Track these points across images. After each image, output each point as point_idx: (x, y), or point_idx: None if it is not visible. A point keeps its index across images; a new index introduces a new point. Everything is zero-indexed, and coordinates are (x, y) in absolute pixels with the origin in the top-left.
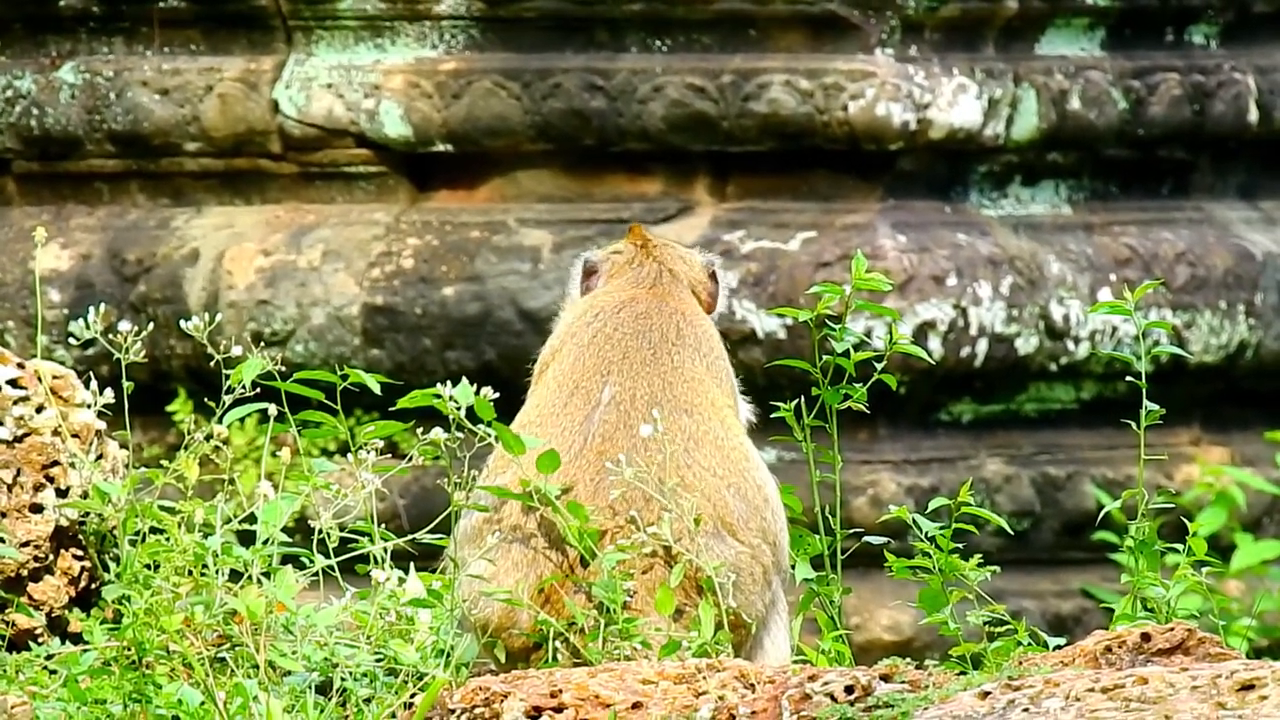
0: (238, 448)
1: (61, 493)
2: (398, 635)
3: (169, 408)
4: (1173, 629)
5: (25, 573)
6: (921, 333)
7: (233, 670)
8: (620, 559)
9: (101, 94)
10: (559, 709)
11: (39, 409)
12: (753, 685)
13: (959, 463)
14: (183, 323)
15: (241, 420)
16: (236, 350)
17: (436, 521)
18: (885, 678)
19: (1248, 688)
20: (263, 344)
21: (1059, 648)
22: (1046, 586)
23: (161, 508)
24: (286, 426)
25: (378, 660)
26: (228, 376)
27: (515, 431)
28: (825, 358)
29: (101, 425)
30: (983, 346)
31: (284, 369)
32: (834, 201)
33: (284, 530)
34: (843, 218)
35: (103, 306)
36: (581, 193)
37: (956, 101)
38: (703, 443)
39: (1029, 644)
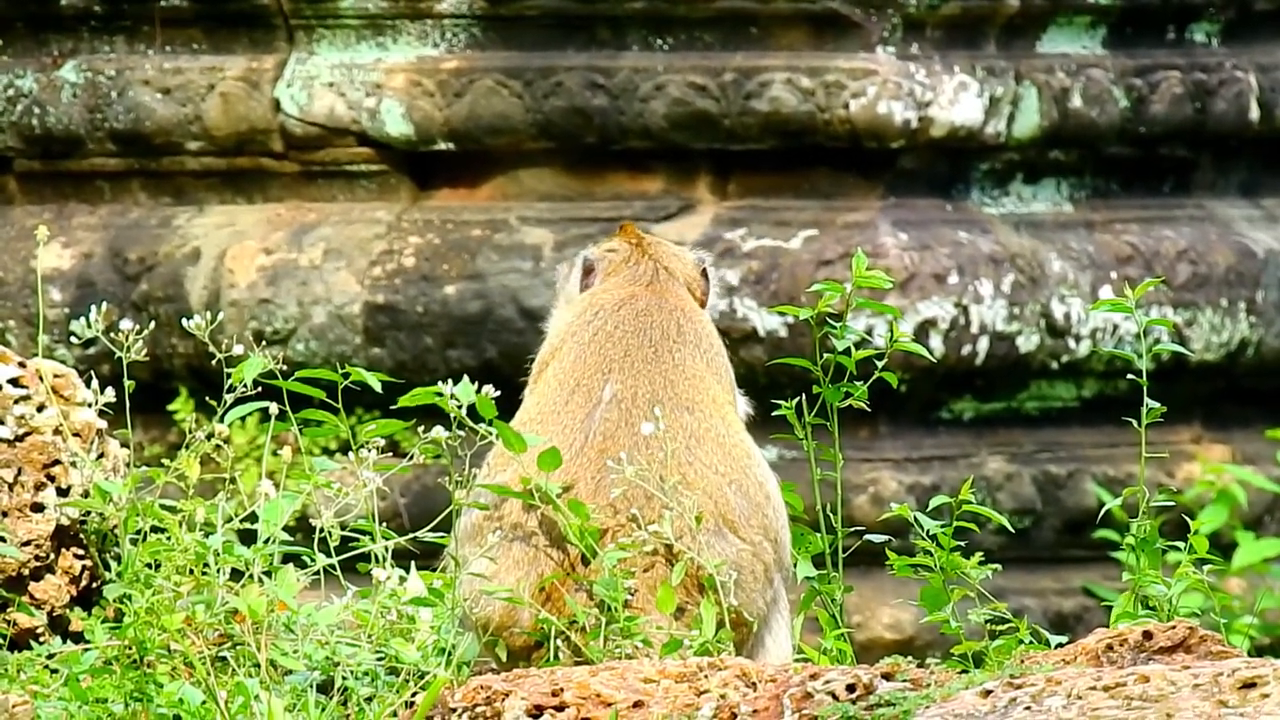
0: (239, 446)
1: (63, 492)
2: (399, 634)
3: (170, 406)
4: (1174, 627)
5: (26, 572)
6: (923, 331)
7: (234, 669)
8: (621, 557)
9: (103, 93)
10: (560, 708)
11: (40, 408)
12: (754, 684)
13: (960, 461)
14: (184, 321)
15: (243, 419)
16: (238, 349)
17: (437, 520)
18: (887, 676)
19: (1249, 686)
20: (264, 342)
21: (1060, 646)
22: (1048, 584)
23: (163, 506)
24: (288, 425)
25: (379, 659)
26: (229, 375)
27: (516, 429)
28: (826, 356)
29: (103, 424)
30: (984, 344)
31: (285, 368)
32: (835, 199)
33: (285, 529)
34: (844, 216)
35: (104, 305)
36: (583, 191)
37: (958, 99)
38: (704, 440)
39: (1030, 642)
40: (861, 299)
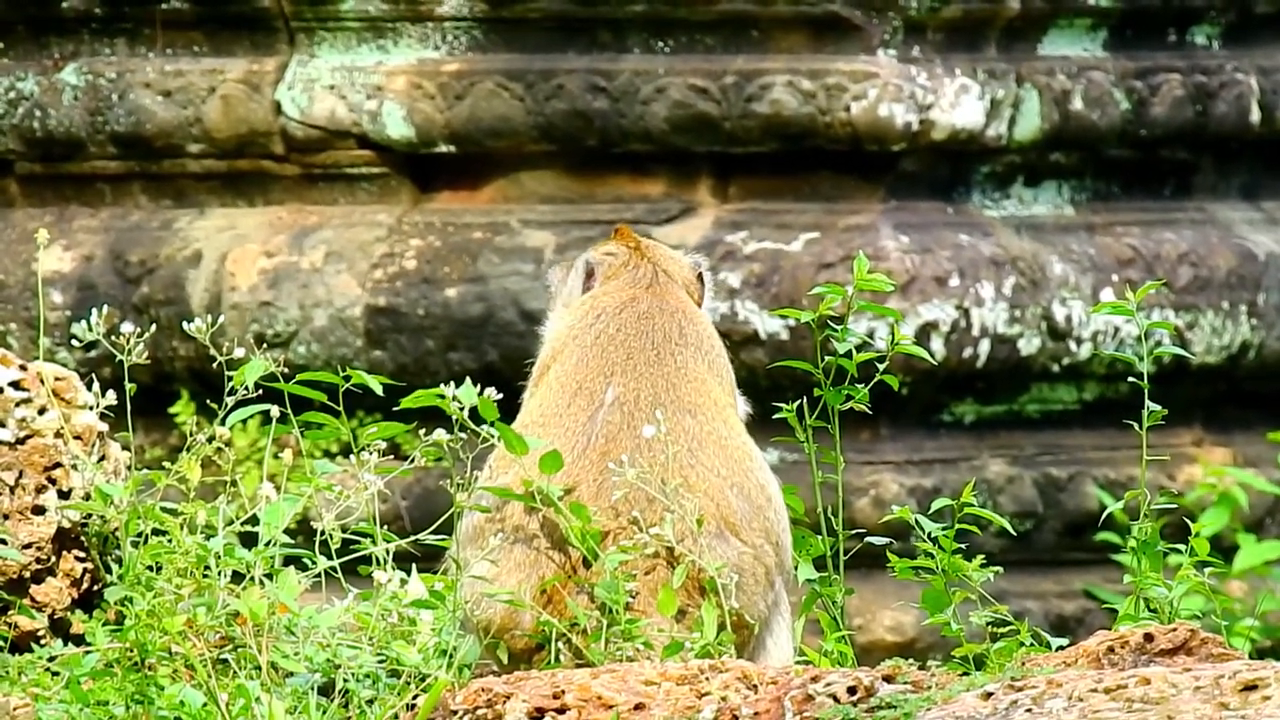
0: (240, 449)
1: (64, 494)
2: (400, 636)
3: (171, 409)
4: (1175, 629)
5: (28, 574)
6: (924, 333)
7: (235, 672)
8: (623, 560)
9: (104, 95)
10: (561, 710)
11: (41, 411)
12: (755, 686)
13: (961, 463)
14: (185, 324)
15: (244, 422)
16: (239, 352)
17: (439, 522)
18: (888, 678)
19: (1250, 688)
20: (265, 345)
21: (1062, 648)
22: (1049, 587)
23: (164, 509)
24: (289, 428)
25: (380, 661)
26: (230, 378)
27: (518, 432)
28: (827, 358)
29: (104, 427)
30: (985, 347)
31: (286, 370)
32: (836, 202)
33: (286, 532)
34: (845, 219)
35: (105, 308)
36: (584, 194)
37: (959, 102)
38: (706, 443)
39: (1031, 645)
40: (862, 302)
